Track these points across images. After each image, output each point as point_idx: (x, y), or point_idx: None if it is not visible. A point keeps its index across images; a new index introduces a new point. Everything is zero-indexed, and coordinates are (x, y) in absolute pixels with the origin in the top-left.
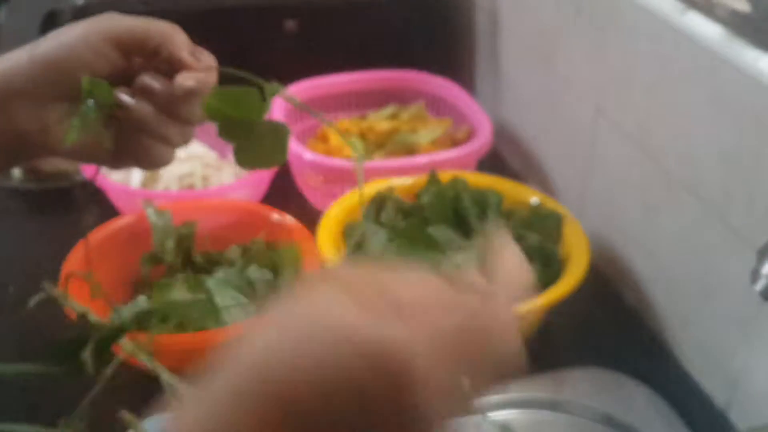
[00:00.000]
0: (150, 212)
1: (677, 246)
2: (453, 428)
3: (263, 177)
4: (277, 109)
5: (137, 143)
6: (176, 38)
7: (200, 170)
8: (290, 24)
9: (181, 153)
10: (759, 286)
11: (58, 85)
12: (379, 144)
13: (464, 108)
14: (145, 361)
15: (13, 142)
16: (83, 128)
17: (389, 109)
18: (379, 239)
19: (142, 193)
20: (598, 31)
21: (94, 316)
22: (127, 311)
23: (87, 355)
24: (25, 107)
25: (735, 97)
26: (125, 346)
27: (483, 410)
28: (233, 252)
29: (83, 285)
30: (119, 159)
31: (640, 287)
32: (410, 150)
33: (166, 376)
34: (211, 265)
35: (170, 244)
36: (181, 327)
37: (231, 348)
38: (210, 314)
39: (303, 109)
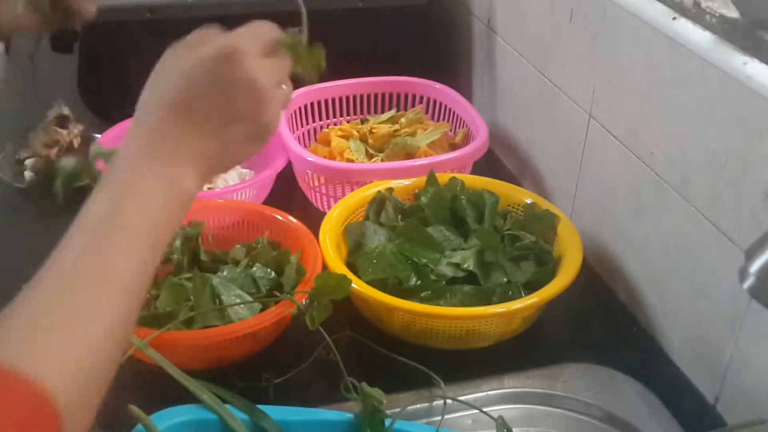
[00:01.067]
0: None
1: (667, 245)
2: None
3: (267, 179)
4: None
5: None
6: None
7: None
8: (293, 32)
9: None
10: (747, 284)
11: None
12: (379, 147)
13: (461, 112)
14: (152, 357)
15: None
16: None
17: (389, 114)
18: (379, 239)
19: None
20: (591, 37)
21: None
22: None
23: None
24: None
25: (723, 101)
26: (135, 342)
27: (479, 405)
28: (238, 251)
29: None
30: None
31: (631, 285)
32: (409, 153)
33: (173, 371)
34: (216, 264)
35: (178, 243)
36: (188, 324)
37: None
38: (216, 312)
39: None
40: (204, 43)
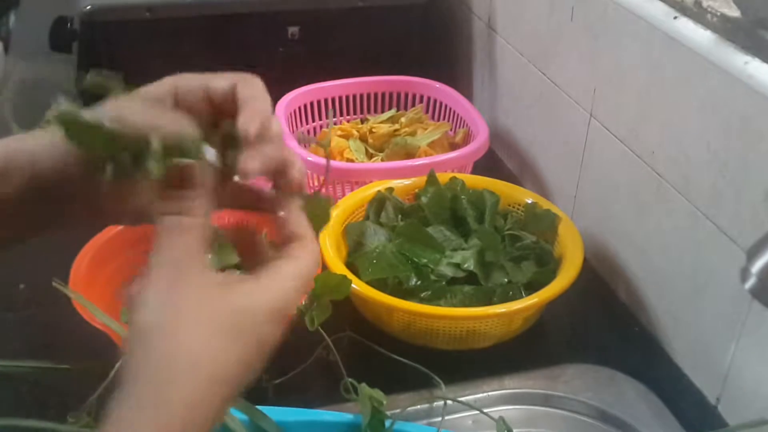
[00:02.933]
0: None
1: (668, 245)
2: None
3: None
4: (278, 114)
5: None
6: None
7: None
8: (293, 31)
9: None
10: (748, 284)
11: None
12: (379, 147)
13: (462, 112)
14: None
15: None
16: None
17: (389, 113)
18: (379, 239)
19: None
20: (591, 37)
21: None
22: None
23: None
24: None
25: (724, 100)
26: None
27: (479, 406)
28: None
29: (91, 282)
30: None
31: (632, 285)
32: (409, 152)
33: None
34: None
35: None
36: None
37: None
38: None
39: None
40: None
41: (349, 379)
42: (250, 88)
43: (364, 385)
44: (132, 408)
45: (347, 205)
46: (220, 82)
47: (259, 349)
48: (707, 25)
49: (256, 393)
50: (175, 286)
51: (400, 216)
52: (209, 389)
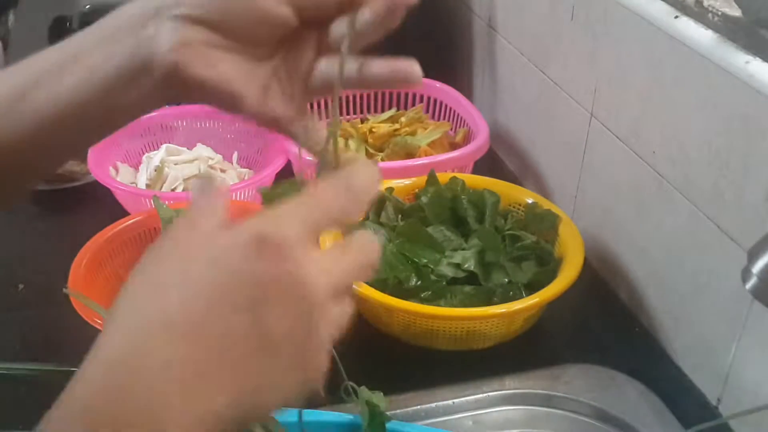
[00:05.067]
0: (162, 209)
1: (669, 245)
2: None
3: (266, 178)
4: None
5: None
6: None
7: (205, 172)
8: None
9: (186, 155)
10: (749, 284)
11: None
12: (379, 146)
13: (462, 111)
14: None
15: (142, 72)
16: None
17: (389, 113)
18: (379, 239)
19: (148, 194)
20: (592, 36)
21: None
22: None
23: None
24: (166, 22)
25: (725, 100)
26: None
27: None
28: None
29: (92, 282)
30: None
31: (633, 285)
32: (409, 152)
33: None
34: None
35: None
36: None
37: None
38: None
39: None
40: (224, 226)
41: (349, 383)
42: None
43: (363, 388)
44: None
45: None
46: None
47: (251, 297)
48: (708, 24)
49: None
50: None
51: (400, 216)
52: (151, 395)
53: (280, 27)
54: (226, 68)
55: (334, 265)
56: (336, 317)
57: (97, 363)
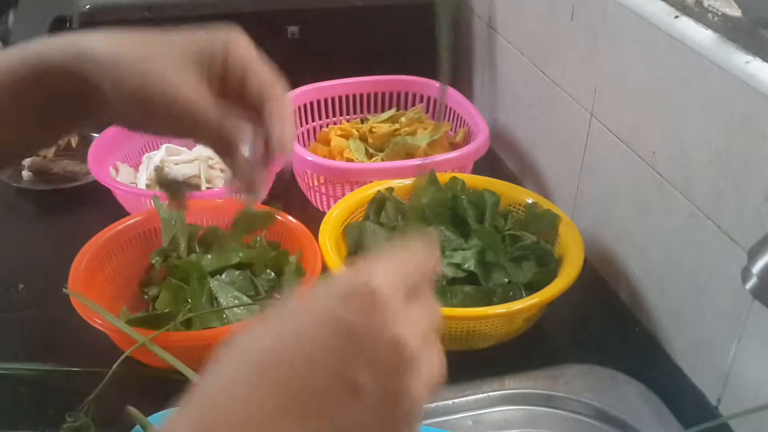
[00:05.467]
0: (162, 209)
1: (669, 245)
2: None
3: (266, 179)
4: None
5: None
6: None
7: (204, 172)
8: (293, 30)
9: (186, 155)
10: (749, 284)
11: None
12: (379, 146)
13: (462, 111)
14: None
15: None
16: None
17: (389, 113)
18: (379, 239)
19: (148, 194)
20: (592, 36)
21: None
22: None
23: None
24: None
25: (725, 100)
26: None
27: (479, 406)
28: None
29: (92, 282)
30: None
31: (633, 285)
32: (409, 152)
33: (181, 367)
34: None
35: (183, 243)
36: (187, 325)
37: (231, 342)
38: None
39: None
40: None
41: None
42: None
43: None
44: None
45: (347, 205)
46: (259, 76)
47: (345, 345)
48: (708, 24)
49: None
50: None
51: (400, 216)
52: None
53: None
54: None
55: (422, 318)
56: (428, 372)
57: (195, 403)
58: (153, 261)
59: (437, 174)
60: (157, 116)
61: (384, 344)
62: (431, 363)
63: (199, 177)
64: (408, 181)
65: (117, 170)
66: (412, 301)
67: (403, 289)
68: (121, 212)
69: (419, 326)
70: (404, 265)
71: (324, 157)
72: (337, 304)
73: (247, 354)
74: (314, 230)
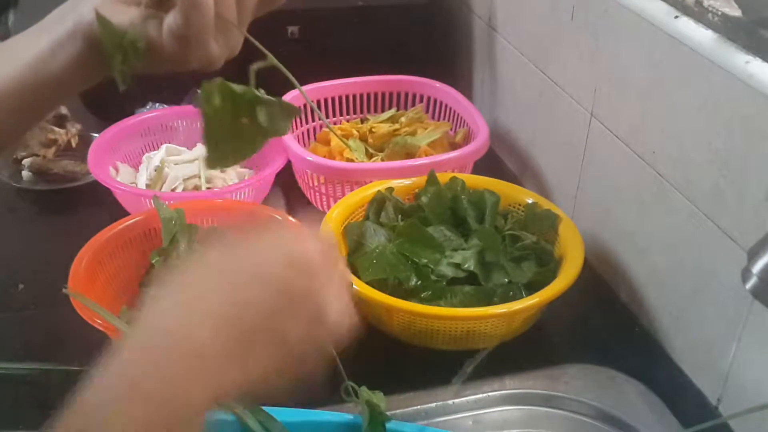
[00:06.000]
0: (162, 209)
1: (669, 245)
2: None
3: (266, 178)
4: None
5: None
6: None
7: (204, 171)
8: (293, 30)
9: (186, 155)
10: (749, 284)
11: None
12: (379, 146)
13: (462, 111)
14: None
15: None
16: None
17: (389, 113)
18: (379, 239)
19: (148, 194)
20: (592, 36)
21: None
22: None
23: None
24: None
25: (725, 100)
26: None
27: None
28: None
29: (92, 282)
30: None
31: (633, 285)
32: (409, 152)
33: None
34: None
35: (183, 243)
36: None
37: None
38: None
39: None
40: (260, 247)
41: (350, 383)
42: None
43: (364, 388)
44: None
45: (347, 205)
46: None
47: (250, 327)
48: (708, 24)
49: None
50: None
51: (400, 216)
52: (183, 363)
53: None
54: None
55: (341, 283)
56: (338, 321)
57: (144, 329)
58: (153, 261)
59: (437, 174)
60: None
61: (312, 305)
62: (342, 315)
63: (199, 177)
64: (408, 181)
65: (117, 170)
66: (334, 267)
67: (328, 259)
68: (121, 212)
69: (338, 288)
70: (324, 239)
71: (324, 157)
72: (282, 269)
73: (204, 301)
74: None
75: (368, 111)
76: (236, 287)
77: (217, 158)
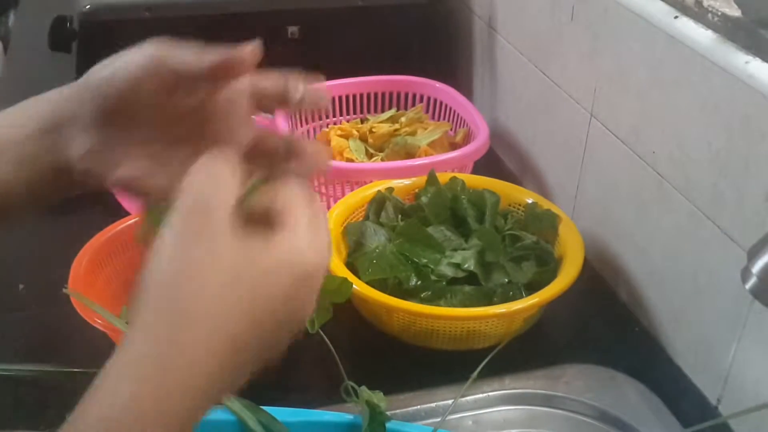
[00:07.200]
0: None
1: (669, 245)
2: None
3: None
4: (277, 114)
5: None
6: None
7: None
8: (293, 30)
9: None
10: (749, 284)
11: (110, 111)
12: (379, 146)
13: (462, 111)
14: None
15: (61, 171)
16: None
17: (389, 113)
18: (379, 239)
19: None
20: (592, 36)
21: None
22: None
23: None
24: (75, 133)
25: (725, 100)
26: None
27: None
28: None
29: (92, 282)
30: None
31: (633, 285)
32: (409, 152)
33: None
34: None
35: None
36: None
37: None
38: None
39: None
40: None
41: (350, 382)
42: None
43: (364, 388)
44: (141, 350)
45: (347, 205)
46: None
47: (276, 317)
48: (708, 24)
49: (255, 393)
50: (193, 235)
51: (400, 216)
52: (218, 344)
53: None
54: (130, 167)
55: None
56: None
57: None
58: None
59: (437, 174)
60: None
61: (303, 313)
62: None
63: None
64: (408, 181)
65: None
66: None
67: (324, 269)
68: (121, 212)
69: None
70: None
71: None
72: (291, 289)
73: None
74: None
75: (368, 111)
76: (247, 305)
77: None
